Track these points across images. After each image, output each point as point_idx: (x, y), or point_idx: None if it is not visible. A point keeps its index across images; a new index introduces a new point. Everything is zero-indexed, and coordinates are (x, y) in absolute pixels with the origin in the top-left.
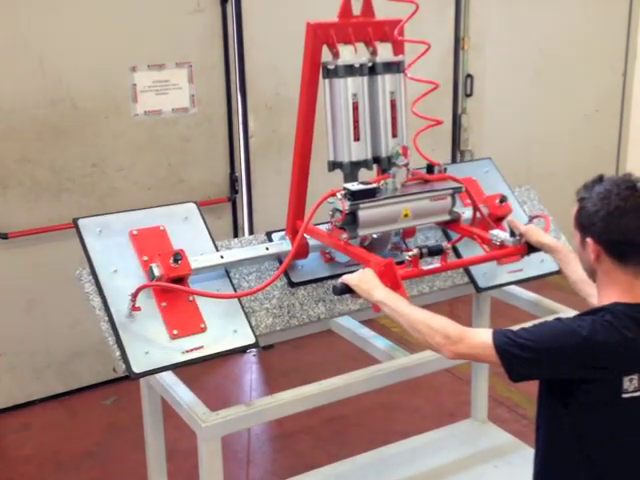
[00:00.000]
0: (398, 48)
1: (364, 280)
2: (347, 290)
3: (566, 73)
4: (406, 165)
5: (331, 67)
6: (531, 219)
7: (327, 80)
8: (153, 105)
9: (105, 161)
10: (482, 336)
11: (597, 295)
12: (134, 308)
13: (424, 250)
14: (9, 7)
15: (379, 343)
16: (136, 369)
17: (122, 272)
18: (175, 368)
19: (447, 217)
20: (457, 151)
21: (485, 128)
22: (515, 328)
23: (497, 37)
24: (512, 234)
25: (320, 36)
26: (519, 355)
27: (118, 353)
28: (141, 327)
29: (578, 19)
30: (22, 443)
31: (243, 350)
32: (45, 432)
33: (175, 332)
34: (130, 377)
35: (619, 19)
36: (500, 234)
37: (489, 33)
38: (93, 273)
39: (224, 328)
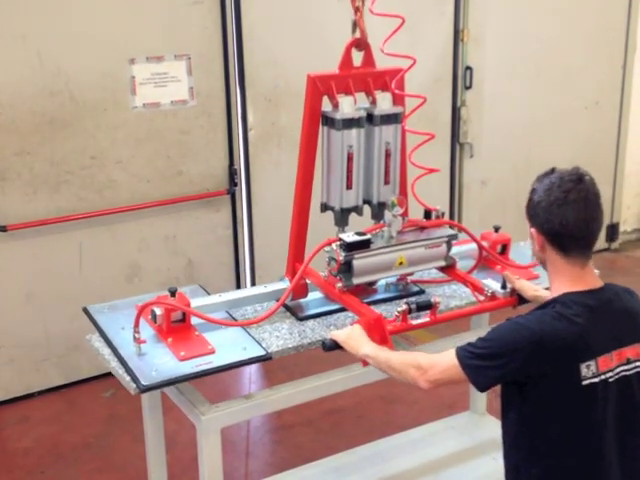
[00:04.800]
0: (398, 97)
1: (352, 337)
2: (336, 346)
3: (566, 65)
4: (402, 215)
5: (330, 117)
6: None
7: (326, 127)
8: (152, 97)
9: (104, 153)
10: (448, 356)
11: (550, 285)
12: (138, 340)
13: (413, 305)
14: None
15: None
16: (144, 382)
17: (129, 329)
18: (185, 380)
19: (442, 263)
20: (456, 144)
21: (484, 121)
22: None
23: (497, 29)
24: (504, 285)
25: (320, 87)
26: (480, 365)
27: (128, 378)
28: (148, 356)
29: (578, 11)
30: (21, 435)
31: (255, 362)
32: (44, 424)
33: (182, 354)
34: (140, 390)
35: (619, 11)
36: (492, 284)
37: (489, 25)
38: (101, 333)
39: (233, 348)
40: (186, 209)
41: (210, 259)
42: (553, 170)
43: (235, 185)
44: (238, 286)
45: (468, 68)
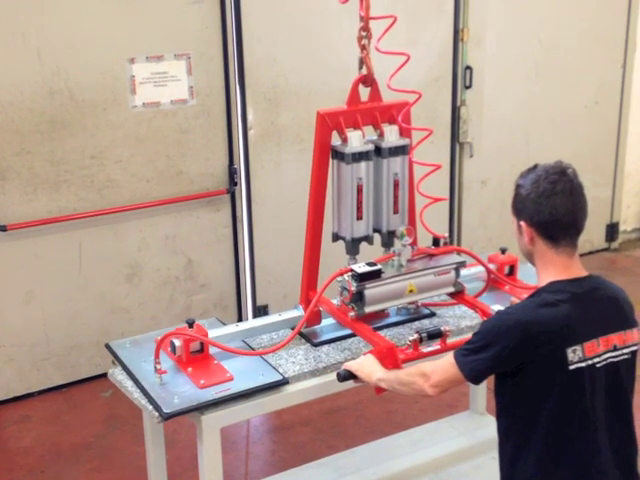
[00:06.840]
0: (404, 129)
1: (365, 365)
2: (350, 376)
3: (565, 65)
4: (411, 244)
5: (339, 151)
6: None
7: (335, 161)
8: (152, 97)
9: (104, 153)
10: (447, 358)
11: (537, 278)
12: (159, 371)
13: (424, 335)
14: None
15: None
16: (166, 409)
17: (151, 362)
18: (206, 406)
19: (452, 289)
20: (456, 143)
21: (484, 120)
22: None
23: (496, 29)
24: None
25: (329, 124)
26: (473, 359)
27: (151, 407)
28: (169, 385)
29: (578, 10)
30: (22, 435)
31: (272, 386)
32: (44, 424)
33: (202, 382)
34: (163, 418)
35: (619, 11)
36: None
37: (488, 25)
38: (123, 366)
39: (251, 374)
40: (186, 208)
41: (210, 258)
42: (536, 166)
43: (235, 184)
44: (238, 285)
45: (468, 67)
